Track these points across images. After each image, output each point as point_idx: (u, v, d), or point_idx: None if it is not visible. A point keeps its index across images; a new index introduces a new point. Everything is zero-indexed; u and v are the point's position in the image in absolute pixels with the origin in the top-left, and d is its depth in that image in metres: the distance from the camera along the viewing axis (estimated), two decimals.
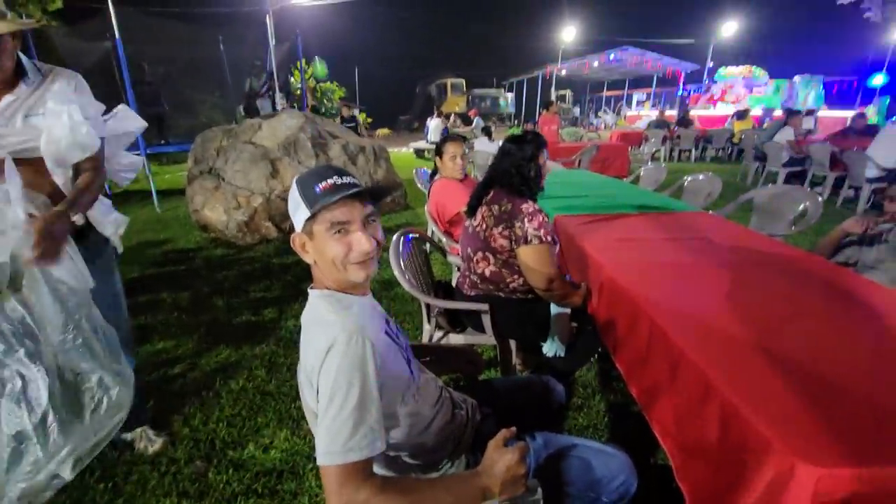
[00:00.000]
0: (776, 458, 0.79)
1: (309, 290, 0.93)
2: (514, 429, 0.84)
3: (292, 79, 10.70)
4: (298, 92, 10.13)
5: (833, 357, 1.05)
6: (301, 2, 10.77)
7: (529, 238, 1.60)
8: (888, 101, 14.70)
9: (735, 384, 0.95)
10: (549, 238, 1.61)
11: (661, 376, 1.19)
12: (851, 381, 0.96)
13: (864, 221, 1.93)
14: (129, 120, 1.69)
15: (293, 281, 3.44)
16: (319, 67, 9.01)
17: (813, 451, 0.77)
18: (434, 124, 12.12)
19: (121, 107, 1.67)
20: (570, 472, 0.99)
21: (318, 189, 0.84)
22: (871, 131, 6.68)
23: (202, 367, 2.31)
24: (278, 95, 7.58)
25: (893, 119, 6.61)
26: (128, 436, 1.72)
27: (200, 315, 2.91)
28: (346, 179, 0.86)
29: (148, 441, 1.73)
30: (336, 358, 0.78)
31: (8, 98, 1.30)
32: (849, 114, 13.58)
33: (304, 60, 9.87)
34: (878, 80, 16.76)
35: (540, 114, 9.66)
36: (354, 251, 0.86)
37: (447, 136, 2.92)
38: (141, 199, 6.68)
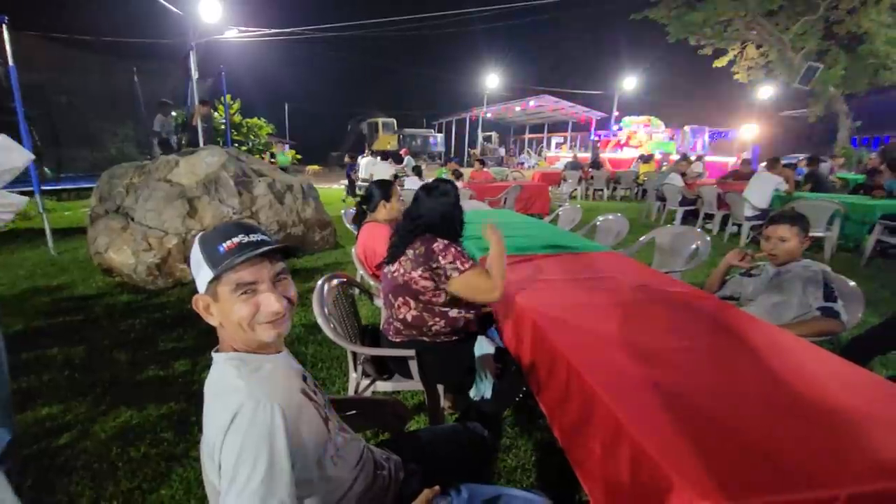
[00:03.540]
0: (679, 496, 0.85)
1: (213, 354, 0.88)
2: (437, 488, 0.84)
3: (216, 114, 10.30)
4: (222, 127, 9.75)
5: (724, 391, 1.17)
6: (227, 37, 10.57)
7: (448, 273, 1.66)
8: (756, 150, 17.25)
9: (641, 424, 1.02)
10: (467, 264, 1.68)
11: (579, 418, 1.25)
12: (736, 415, 1.07)
13: (742, 254, 2.21)
14: (11, 152, 1.51)
15: (209, 328, 3.16)
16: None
17: (709, 486, 0.84)
18: (365, 162, 12.17)
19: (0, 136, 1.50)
20: None
21: (221, 249, 0.81)
22: (750, 176, 7.79)
23: (96, 435, 2.04)
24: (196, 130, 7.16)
25: (762, 165, 7.75)
26: None
27: (98, 372, 2.59)
28: (252, 237, 0.83)
29: None
30: (241, 428, 0.73)
31: None
32: (729, 160, 15.73)
33: (228, 96, 9.59)
34: (748, 131, 19.63)
35: (469, 154, 10.17)
36: (262, 312, 0.83)
37: (389, 182, 2.84)
38: (30, 240, 5.92)
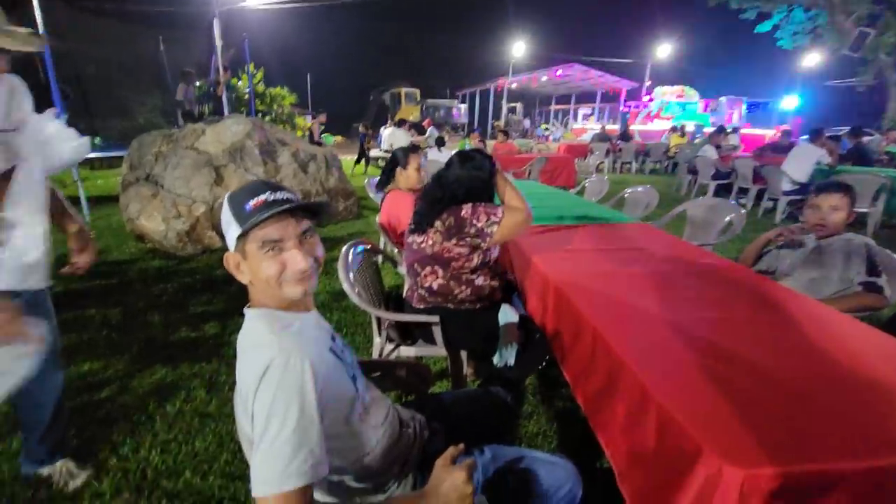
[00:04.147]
0: (706, 462, 0.83)
1: (245, 311, 0.89)
2: (461, 446, 0.84)
3: (240, 83, 10.31)
4: (246, 97, 9.77)
5: (755, 361, 1.14)
6: (250, 5, 10.45)
7: (488, 231, 1.66)
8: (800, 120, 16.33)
9: (669, 391, 1.00)
10: (499, 212, 1.68)
11: (603, 385, 1.23)
12: (771, 385, 1.04)
13: (784, 231, 2.10)
14: (64, 142, 1.34)
15: (237, 293, 3.28)
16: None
17: (738, 453, 0.82)
18: (387, 133, 12.07)
19: (52, 123, 1.33)
20: (517, 484, 1.00)
21: (248, 207, 0.82)
22: (788, 148, 7.39)
23: (134, 390, 2.15)
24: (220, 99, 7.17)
25: (804, 137, 7.33)
26: (44, 470, 1.55)
27: (133, 332, 2.71)
28: (279, 195, 0.83)
29: (68, 475, 1.57)
30: (273, 380, 0.74)
31: None
32: (767, 132, 14.95)
33: (251, 65, 9.56)
34: (790, 101, 18.58)
35: (492, 126, 9.96)
36: (289, 270, 0.83)
37: (410, 148, 2.82)
38: None
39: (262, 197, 0.82)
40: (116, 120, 8.26)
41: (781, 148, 7.74)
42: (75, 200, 5.62)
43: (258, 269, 0.84)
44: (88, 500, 1.52)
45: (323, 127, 8.18)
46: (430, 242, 1.74)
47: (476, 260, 1.73)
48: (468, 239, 1.68)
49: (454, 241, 1.69)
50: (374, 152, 11.50)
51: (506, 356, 1.72)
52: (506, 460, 1.04)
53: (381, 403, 1.00)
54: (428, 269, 1.76)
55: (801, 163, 5.60)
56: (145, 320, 2.87)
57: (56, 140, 1.27)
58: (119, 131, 7.62)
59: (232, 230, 0.84)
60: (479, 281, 1.76)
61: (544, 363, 1.77)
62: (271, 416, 0.73)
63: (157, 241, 4.25)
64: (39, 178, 1.27)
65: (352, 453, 0.90)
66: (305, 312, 0.92)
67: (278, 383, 0.74)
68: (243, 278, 0.88)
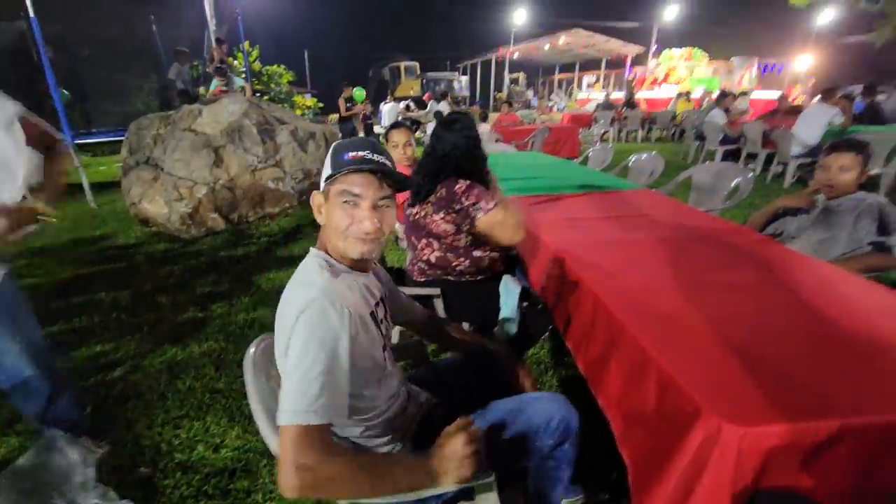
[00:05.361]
0: (705, 421, 0.83)
1: (311, 249, 0.95)
2: (469, 418, 0.84)
3: (235, 62, 10.12)
4: (242, 75, 9.61)
5: (758, 323, 1.13)
6: None
7: (472, 214, 1.62)
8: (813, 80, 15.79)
9: (669, 354, 1.00)
10: (491, 203, 1.61)
11: (603, 349, 1.23)
12: (774, 345, 1.03)
13: (800, 197, 2.03)
14: None
15: (242, 274, 3.31)
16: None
17: (737, 412, 0.82)
18: (388, 108, 11.89)
19: None
20: (510, 429, 1.01)
21: (346, 156, 0.87)
22: (798, 110, 7.15)
23: (145, 369, 2.19)
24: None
25: (816, 99, 7.10)
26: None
27: (143, 314, 2.75)
28: (376, 157, 0.88)
29: (87, 452, 1.62)
30: (312, 320, 0.79)
31: None
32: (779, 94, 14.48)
33: (246, 43, 9.36)
34: (803, 61, 17.92)
35: (495, 98, 9.75)
36: (355, 226, 0.88)
37: (393, 124, 2.75)
38: (71, 194, 6.16)
39: (362, 153, 0.87)
40: (115, 105, 8.17)
41: (792, 111, 7.51)
42: (78, 187, 5.64)
43: (332, 215, 0.89)
44: (106, 473, 1.57)
45: (350, 104, 8.00)
46: (422, 213, 1.72)
47: (464, 240, 1.70)
48: (453, 215, 1.65)
49: (442, 214, 1.66)
50: (376, 129, 11.36)
51: (508, 327, 1.73)
52: (498, 413, 1.03)
53: (397, 376, 1.03)
54: (424, 241, 1.75)
55: (812, 124, 5.43)
56: (154, 302, 2.91)
57: None
58: (119, 116, 7.54)
59: (325, 171, 0.90)
60: (478, 252, 1.74)
61: (546, 335, 1.77)
62: (306, 353, 0.77)
63: (161, 225, 4.27)
64: None
65: (360, 414, 0.93)
66: (360, 273, 0.95)
67: (317, 324, 0.78)
68: (320, 219, 0.94)
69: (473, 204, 1.61)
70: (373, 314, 0.93)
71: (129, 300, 2.94)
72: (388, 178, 0.89)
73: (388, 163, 0.89)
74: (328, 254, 0.93)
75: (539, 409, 1.02)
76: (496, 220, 1.62)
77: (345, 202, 0.87)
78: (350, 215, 0.87)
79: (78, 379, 2.11)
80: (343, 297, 0.82)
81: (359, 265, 0.95)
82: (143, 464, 1.61)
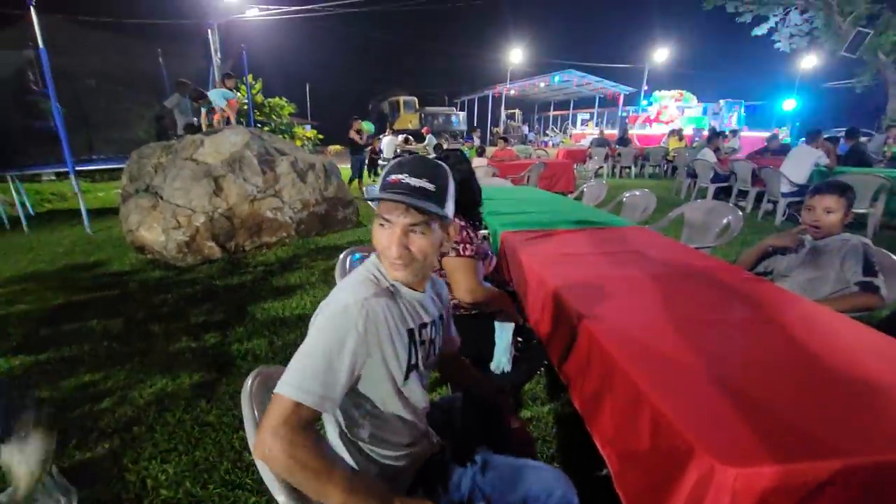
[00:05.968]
0: (698, 461, 0.84)
1: (372, 255, 0.97)
2: None
3: (238, 94, 10.38)
4: (245, 107, 9.84)
5: (749, 361, 1.14)
6: (247, 16, 10.57)
7: (448, 250, 1.64)
8: (798, 123, 16.37)
9: (663, 392, 1.00)
10: (469, 253, 1.65)
11: (598, 386, 1.24)
12: (765, 384, 1.04)
13: (787, 236, 2.09)
14: None
15: (238, 303, 3.29)
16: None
17: (730, 452, 0.82)
18: (386, 141, 12.14)
19: None
20: (508, 493, 0.99)
21: (388, 179, 0.89)
22: (785, 150, 7.39)
23: (134, 400, 2.15)
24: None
25: (802, 140, 7.35)
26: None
27: (134, 343, 2.72)
28: (413, 182, 0.87)
29: (70, 492, 1.55)
30: (335, 314, 0.83)
31: None
32: (766, 134, 15.02)
33: (250, 76, 9.63)
34: (789, 104, 18.63)
35: (491, 133, 10.00)
36: (387, 249, 0.89)
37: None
38: (69, 219, 6.19)
39: (399, 177, 0.88)
40: (116, 133, 8.30)
41: (779, 150, 7.76)
42: (76, 213, 5.67)
43: (374, 232, 0.93)
44: None
45: (360, 133, 8.26)
46: None
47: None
48: None
49: None
50: (380, 162, 11.57)
51: (502, 363, 1.72)
52: (496, 468, 1.02)
53: (417, 401, 0.98)
54: None
55: (799, 164, 5.61)
56: (146, 330, 2.88)
57: None
58: (120, 145, 7.65)
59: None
60: None
61: (541, 370, 1.77)
62: (317, 339, 0.82)
63: (157, 252, 4.27)
64: None
65: (367, 417, 0.93)
66: (408, 290, 0.95)
67: (335, 317, 0.83)
68: None
69: (456, 242, 1.65)
70: (411, 331, 0.92)
71: (121, 328, 2.91)
72: (414, 206, 0.87)
73: (427, 185, 0.87)
74: (382, 265, 0.94)
75: (540, 478, 1.00)
76: (459, 267, 1.65)
77: (381, 224, 0.90)
78: (385, 237, 0.89)
79: (65, 410, 2.06)
80: (372, 312, 0.84)
81: (410, 283, 0.95)
82: (127, 501, 1.56)
